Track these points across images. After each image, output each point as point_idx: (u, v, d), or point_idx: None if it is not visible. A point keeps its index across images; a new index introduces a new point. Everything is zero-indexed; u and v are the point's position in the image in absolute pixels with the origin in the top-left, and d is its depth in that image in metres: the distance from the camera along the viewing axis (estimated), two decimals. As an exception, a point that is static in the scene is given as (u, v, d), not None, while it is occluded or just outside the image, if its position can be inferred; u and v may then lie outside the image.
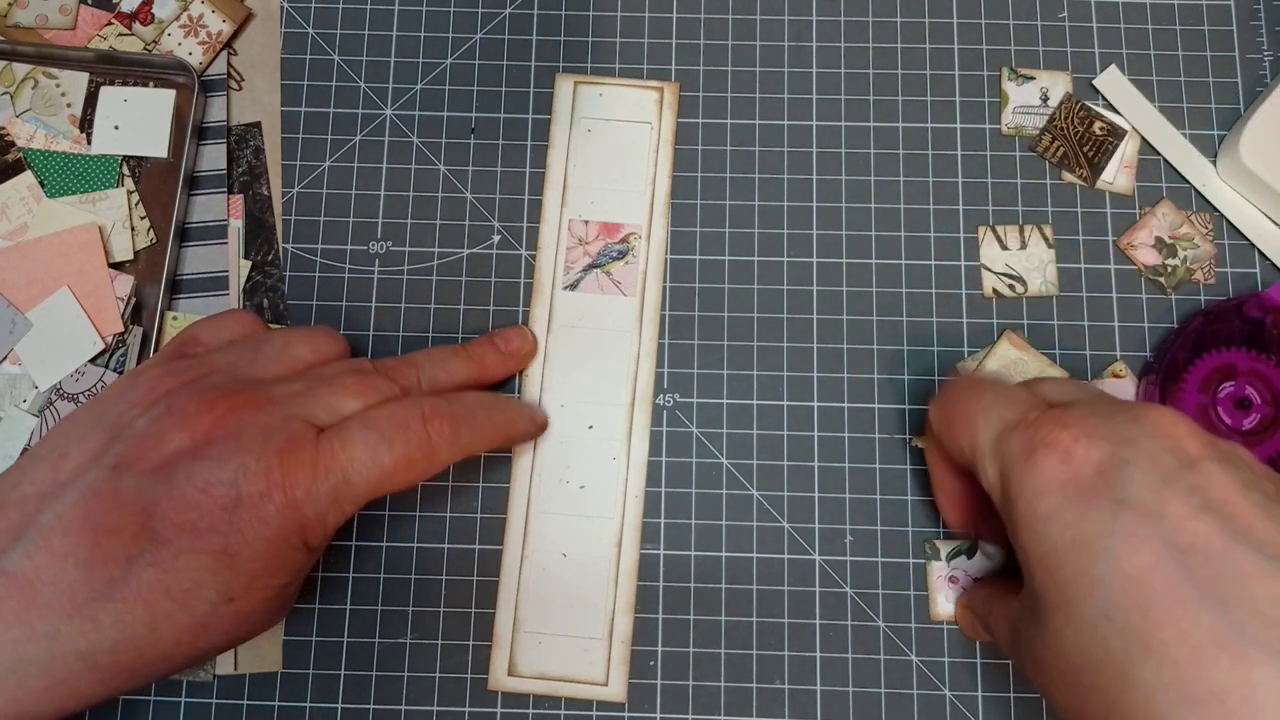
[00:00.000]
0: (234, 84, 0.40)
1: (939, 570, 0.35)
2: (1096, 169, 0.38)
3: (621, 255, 0.38)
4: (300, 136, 0.39)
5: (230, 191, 0.39)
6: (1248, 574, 0.22)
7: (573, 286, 0.38)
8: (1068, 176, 0.38)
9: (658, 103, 0.39)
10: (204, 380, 0.29)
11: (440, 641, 0.35)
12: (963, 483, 0.32)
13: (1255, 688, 0.20)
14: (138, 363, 0.37)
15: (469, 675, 0.35)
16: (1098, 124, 0.38)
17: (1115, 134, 0.38)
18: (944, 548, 0.36)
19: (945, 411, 0.30)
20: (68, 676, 0.25)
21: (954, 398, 0.30)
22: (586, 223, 0.38)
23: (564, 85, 0.39)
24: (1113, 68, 0.39)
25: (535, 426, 0.36)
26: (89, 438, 0.28)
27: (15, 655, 0.24)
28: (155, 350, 0.37)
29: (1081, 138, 0.38)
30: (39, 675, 0.25)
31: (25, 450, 0.35)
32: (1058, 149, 0.38)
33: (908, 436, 0.37)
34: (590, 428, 0.37)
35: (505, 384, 0.37)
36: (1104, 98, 0.39)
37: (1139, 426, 0.25)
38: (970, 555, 0.35)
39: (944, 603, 0.35)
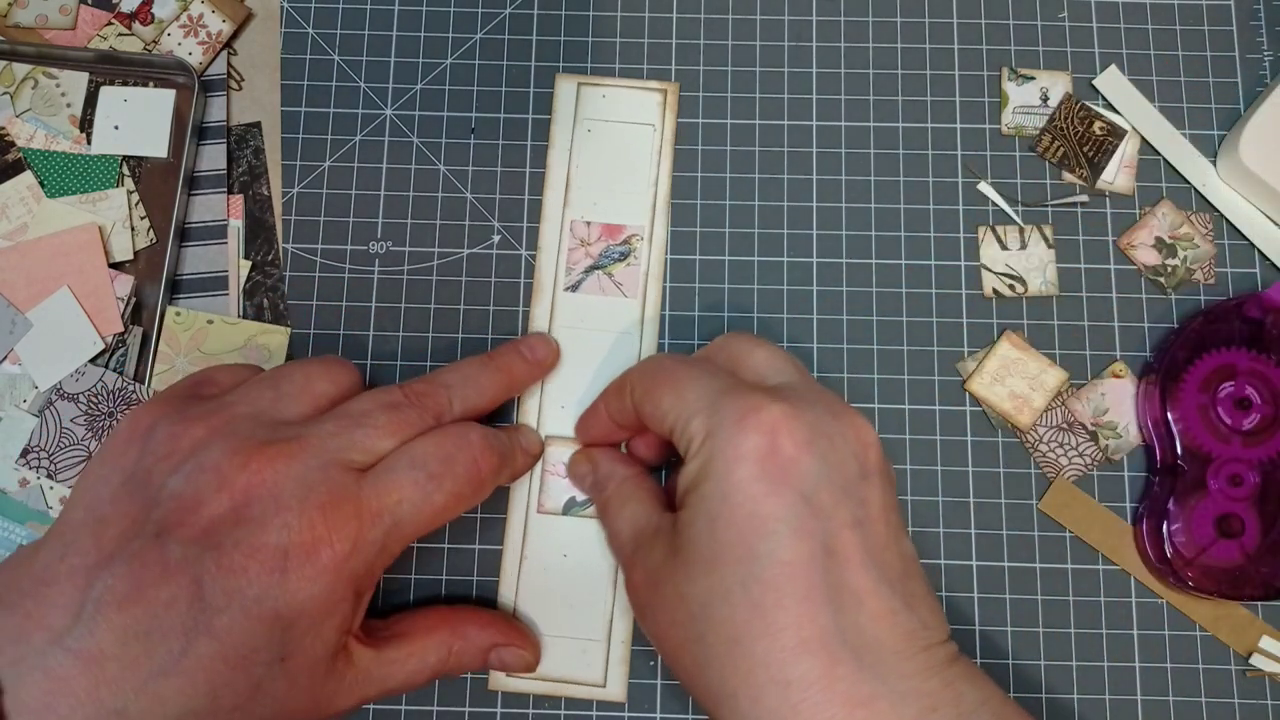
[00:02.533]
0: (234, 84, 0.40)
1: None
2: (1097, 169, 0.38)
3: (623, 257, 0.38)
4: (300, 136, 0.39)
5: (230, 191, 0.39)
6: (865, 590, 0.25)
7: (574, 288, 0.38)
8: (1068, 176, 0.38)
9: (660, 104, 0.39)
10: (230, 428, 0.28)
11: (440, 642, 0.35)
12: (620, 435, 0.34)
13: (834, 682, 0.24)
14: (137, 362, 0.37)
15: (469, 675, 0.35)
16: (1098, 124, 0.38)
17: (1115, 134, 0.38)
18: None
19: (653, 372, 0.30)
20: None
21: (665, 365, 0.30)
22: (589, 224, 0.38)
23: (566, 86, 0.39)
24: (1113, 68, 0.39)
25: (541, 449, 0.36)
26: (120, 498, 0.27)
27: None
28: (155, 350, 0.37)
29: (1081, 138, 0.38)
30: None
31: (23, 452, 0.35)
32: (1058, 149, 0.38)
33: (908, 437, 0.37)
34: (590, 428, 0.37)
35: (505, 405, 0.37)
36: (1104, 98, 0.39)
37: (838, 424, 0.27)
38: None
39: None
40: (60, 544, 0.27)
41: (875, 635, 0.25)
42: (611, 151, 0.39)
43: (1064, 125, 0.38)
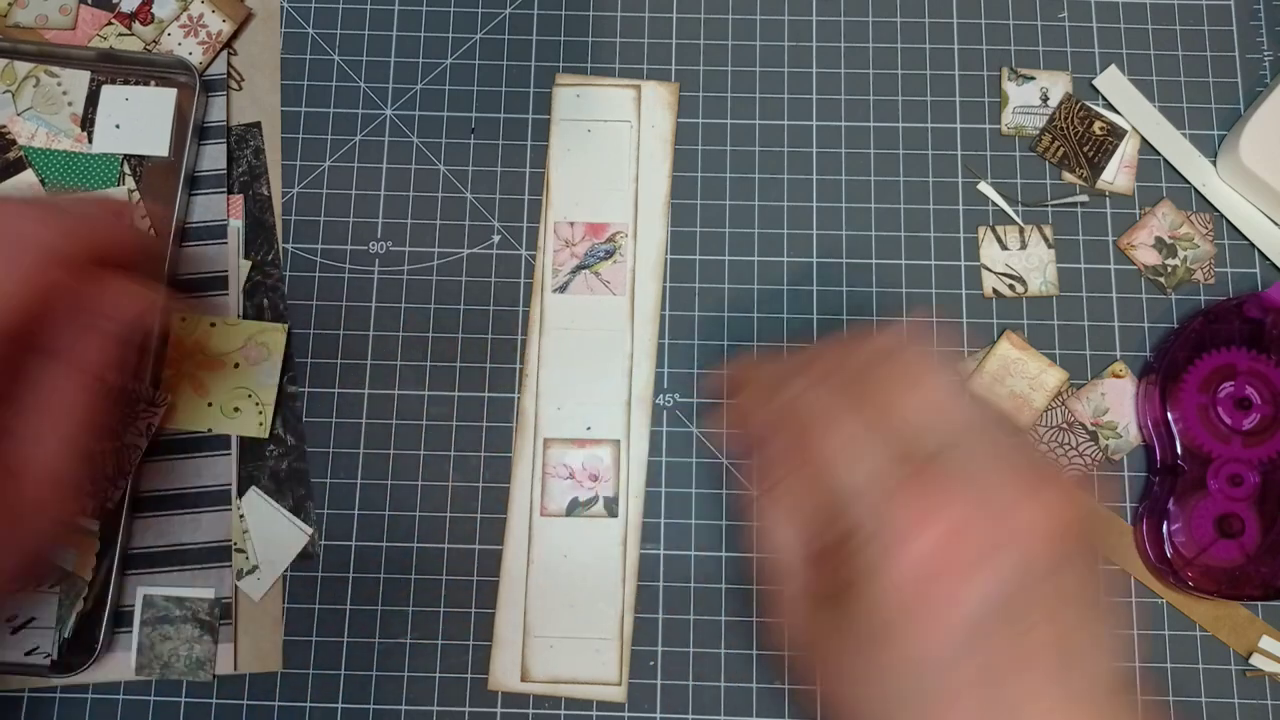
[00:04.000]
0: (234, 84, 0.40)
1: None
2: (1097, 169, 0.38)
3: (609, 255, 0.38)
4: (300, 136, 0.39)
5: (230, 191, 0.39)
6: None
7: (562, 289, 0.38)
8: (1068, 176, 0.38)
9: (635, 100, 0.39)
10: None
11: (440, 641, 0.35)
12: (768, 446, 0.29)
13: None
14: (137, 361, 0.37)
15: (469, 675, 0.35)
16: (1098, 124, 0.38)
17: (1115, 134, 0.38)
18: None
19: (817, 413, 0.27)
20: None
21: (830, 411, 0.26)
22: (572, 224, 0.38)
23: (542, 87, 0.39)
24: (1113, 68, 0.39)
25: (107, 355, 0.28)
26: None
27: None
28: (155, 350, 0.36)
29: (1081, 138, 0.38)
30: None
31: None
32: (1058, 149, 0.38)
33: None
34: (588, 429, 0.37)
35: (502, 406, 0.37)
36: (1104, 98, 0.39)
37: (1025, 511, 0.24)
38: None
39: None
40: None
41: None
42: (592, 151, 0.39)
43: (1064, 125, 0.38)
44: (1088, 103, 0.39)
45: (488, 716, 0.35)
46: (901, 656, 0.24)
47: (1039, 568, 0.24)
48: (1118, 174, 0.38)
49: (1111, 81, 0.39)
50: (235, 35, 0.40)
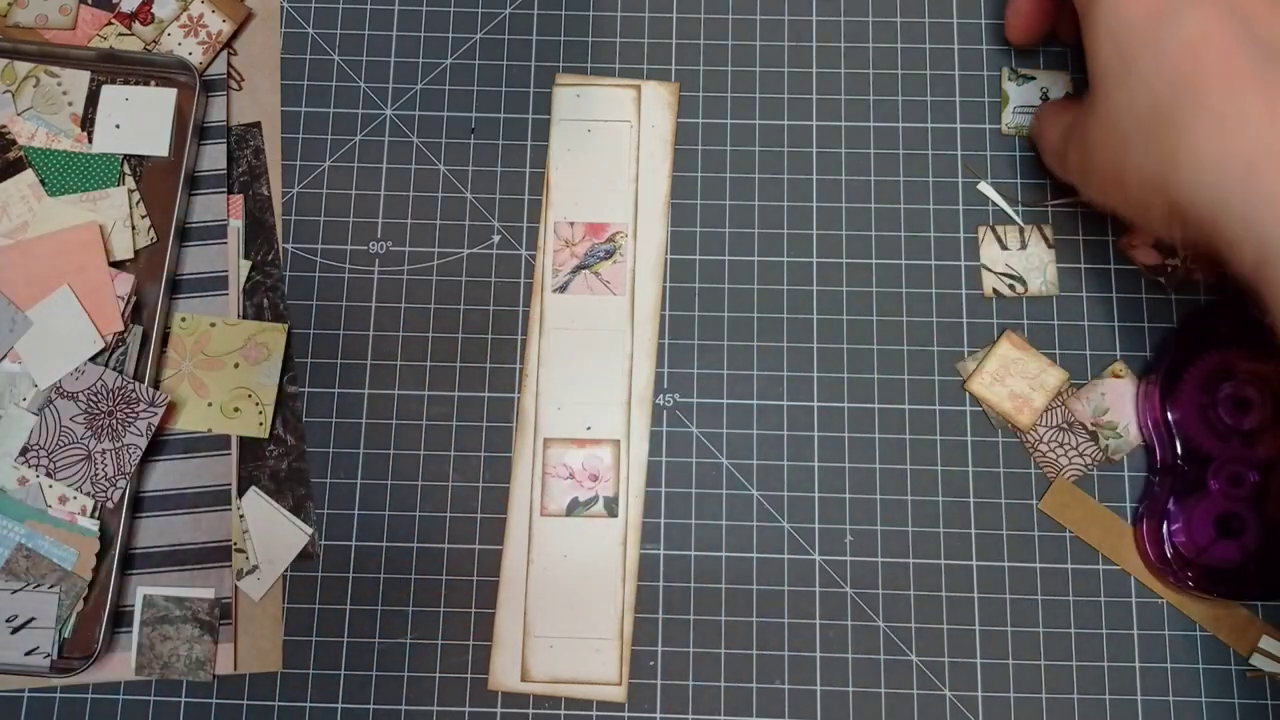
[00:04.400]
0: (234, 84, 0.40)
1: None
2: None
3: (609, 255, 0.38)
4: (300, 136, 0.39)
5: (230, 191, 0.39)
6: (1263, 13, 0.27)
7: (562, 289, 0.38)
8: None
9: (635, 100, 0.39)
10: None
11: (440, 641, 0.35)
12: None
13: (1272, 80, 0.26)
14: (137, 361, 0.37)
15: (469, 675, 0.35)
16: None
17: None
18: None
19: None
20: None
21: None
22: (572, 224, 0.38)
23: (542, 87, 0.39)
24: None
25: None
26: None
27: None
28: (155, 350, 0.36)
29: None
30: None
31: (22, 450, 0.35)
32: (1058, 149, 0.38)
33: (908, 437, 0.37)
34: (588, 429, 0.37)
35: (502, 406, 0.37)
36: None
37: None
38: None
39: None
40: None
41: None
42: (592, 151, 0.39)
43: None
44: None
45: (488, 716, 0.35)
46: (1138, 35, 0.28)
47: None
48: (1118, 174, 0.38)
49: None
50: (235, 35, 0.40)
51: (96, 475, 0.35)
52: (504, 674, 0.35)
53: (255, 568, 0.36)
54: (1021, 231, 0.38)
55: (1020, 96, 0.39)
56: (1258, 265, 0.27)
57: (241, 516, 0.36)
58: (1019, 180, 0.38)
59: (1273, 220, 0.26)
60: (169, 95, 0.38)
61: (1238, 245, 0.27)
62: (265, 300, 0.38)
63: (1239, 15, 0.27)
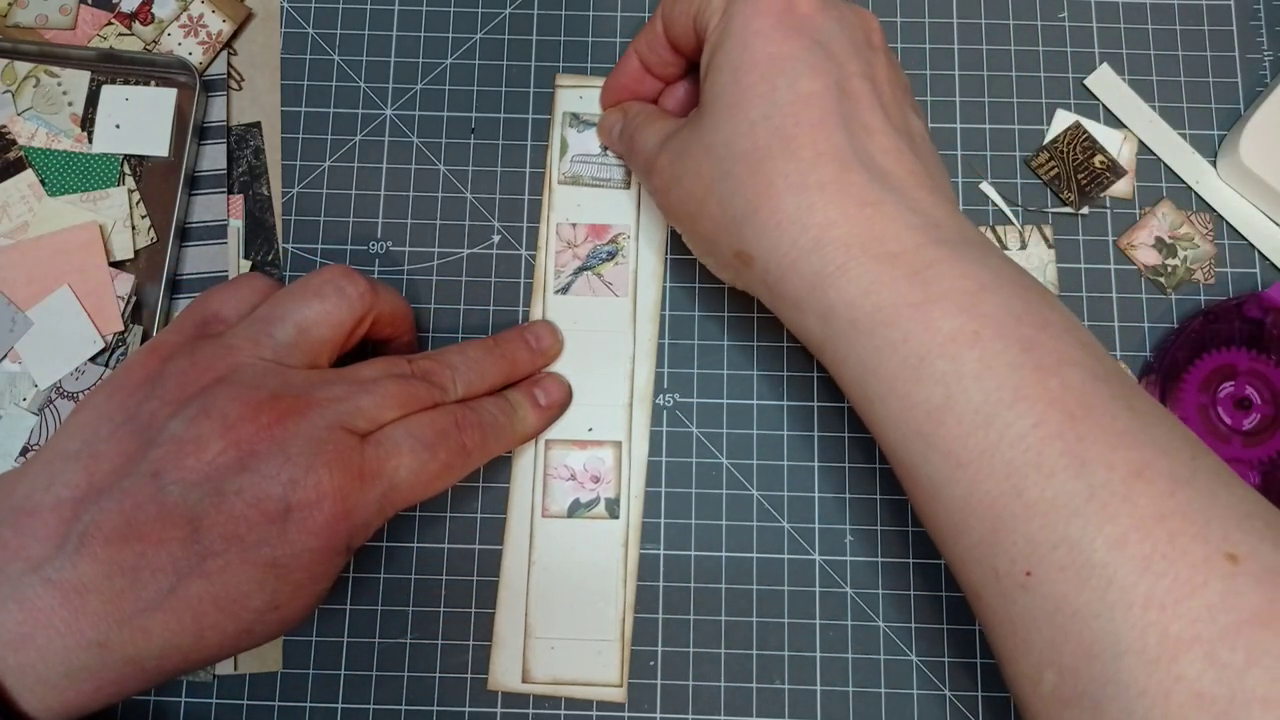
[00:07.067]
0: (234, 84, 0.40)
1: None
2: (1085, 197, 0.38)
3: (611, 256, 0.38)
4: (300, 136, 0.39)
5: (230, 191, 0.39)
6: (875, 128, 0.28)
7: (564, 290, 0.38)
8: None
9: None
10: (237, 377, 0.28)
11: (440, 641, 0.35)
12: (648, 85, 0.36)
13: (846, 186, 0.27)
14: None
15: (469, 675, 0.35)
16: (1099, 158, 0.38)
17: (1114, 170, 0.38)
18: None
19: None
20: (116, 679, 0.25)
21: None
22: (574, 225, 0.38)
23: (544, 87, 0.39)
24: (1104, 66, 0.39)
25: (544, 422, 0.36)
26: (120, 436, 0.27)
27: (67, 662, 0.25)
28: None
29: (1079, 165, 0.38)
30: (89, 679, 0.25)
31: (23, 450, 0.35)
32: (1052, 168, 0.38)
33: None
34: (590, 430, 0.37)
35: (505, 384, 0.37)
36: (1101, 99, 0.39)
37: (847, 4, 0.30)
38: None
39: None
40: (46, 474, 0.26)
41: (884, 165, 0.27)
42: (595, 151, 0.39)
43: (1065, 150, 0.38)
44: (1094, 135, 0.38)
45: (488, 716, 0.35)
46: (759, 81, 0.28)
47: (860, 37, 0.30)
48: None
49: (1103, 81, 0.39)
50: (235, 35, 0.40)
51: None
52: (504, 674, 0.35)
53: (255, 568, 0.36)
54: (1021, 232, 0.38)
55: (580, 144, 0.39)
56: (823, 341, 0.27)
57: (241, 516, 0.36)
58: (1019, 181, 0.38)
59: (839, 298, 0.26)
60: (169, 95, 0.38)
61: (803, 310, 0.28)
62: (265, 300, 0.38)
63: (840, 90, 0.28)
